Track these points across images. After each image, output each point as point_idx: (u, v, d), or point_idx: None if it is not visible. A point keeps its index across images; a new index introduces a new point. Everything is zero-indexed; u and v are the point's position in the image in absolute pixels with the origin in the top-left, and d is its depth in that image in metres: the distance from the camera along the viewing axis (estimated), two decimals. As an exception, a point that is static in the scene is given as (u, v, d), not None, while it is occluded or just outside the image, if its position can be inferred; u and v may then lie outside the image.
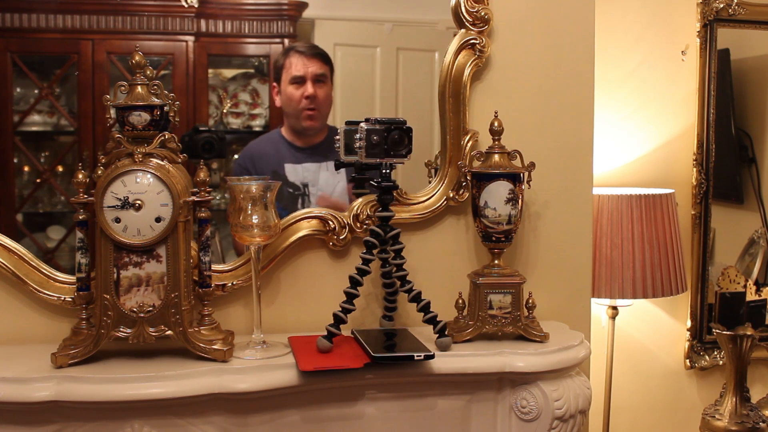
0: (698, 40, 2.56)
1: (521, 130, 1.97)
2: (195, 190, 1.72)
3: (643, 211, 2.30)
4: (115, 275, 1.63)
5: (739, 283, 2.64)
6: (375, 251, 1.78)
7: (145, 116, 1.64)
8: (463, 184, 1.94)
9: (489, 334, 1.84)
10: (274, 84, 1.99)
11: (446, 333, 1.78)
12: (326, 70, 1.97)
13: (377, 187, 1.79)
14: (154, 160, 1.65)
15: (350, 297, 1.75)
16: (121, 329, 1.63)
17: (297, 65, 1.95)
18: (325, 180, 1.98)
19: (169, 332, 1.65)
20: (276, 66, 1.98)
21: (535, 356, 1.76)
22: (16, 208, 1.93)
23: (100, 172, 1.65)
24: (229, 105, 2.03)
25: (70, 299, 1.76)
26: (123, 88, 1.66)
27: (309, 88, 1.95)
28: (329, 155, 1.94)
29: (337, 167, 1.91)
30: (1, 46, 1.87)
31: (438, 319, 1.78)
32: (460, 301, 1.88)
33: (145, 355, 1.68)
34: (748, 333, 1.98)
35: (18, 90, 1.92)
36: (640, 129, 2.58)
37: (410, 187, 1.96)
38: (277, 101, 1.99)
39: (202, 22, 1.93)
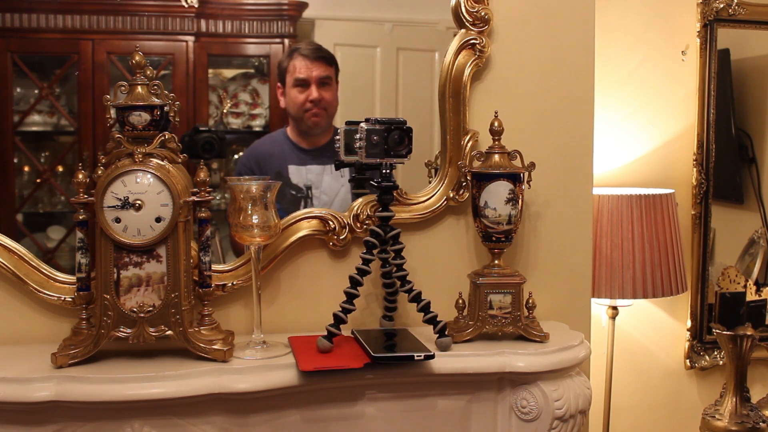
0: (698, 40, 2.56)
1: (521, 130, 1.97)
2: (195, 190, 1.72)
3: (643, 211, 2.30)
4: (115, 275, 1.63)
5: (739, 283, 2.64)
6: (375, 251, 1.78)
7: (145, 116, 1.64)
8: (463, 184, 1.94)
9: (489, 334, 1.84)
10: (279, 85, 1.98)
11: (446, 333, 1.78)
12: (331, 72, 1.97)
13: (377, 187, 1.79)
14: (154, 160, 1.65)
15: (350, 297, 1.75)
16: (121, 329, 1.63)
17: (301, 68, 1.94)
18: (328, 183, 1.98)
19: (169, 332, 1.65)
20: (280, 67, 1.97)
21: (535, 356, 1.76)
22: (16, 208, 1.93)
23: (100, 172, 1.65)
24: (229, 105, 2.03)
25: (70, 299, 1.76)
26: (123, 88, 1.66)
27: (313, 92, 1.95)
28: (334, 157, 1.94)
29: (337, 167, 1.91)
30: (1, 46, 1.87)
31: (438, 319, 1.78)
32: (460, 301, 1.88)
33: (145, 355, 1.68)
34: (748, 333, 1.98)
35: (18, 90, 1.92)
36: (640, 129, 2.58)
37: (410, 187, 1.96)
38: (282, 102, 1.98)
39: (202, 22, 1.93)
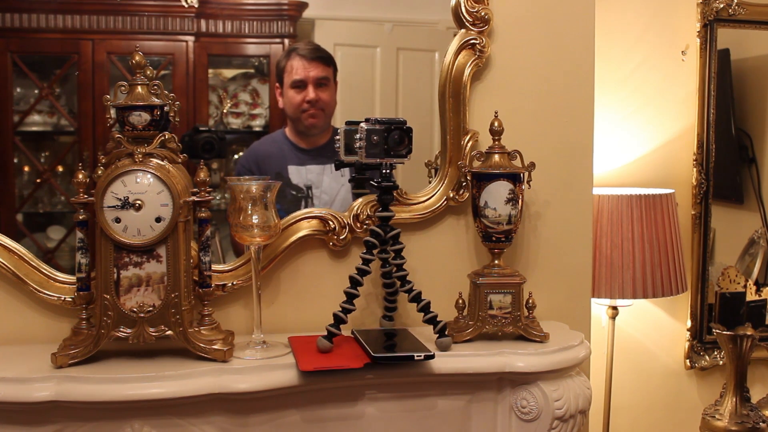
0: (698, 40, 2.56)
1: (521, 130, 1.97)
2: (195, 190, 1.72)
3: (643, 211, 2.29)
4: (115, 275, 1.63)
5: (739, 283, 2.64)
6: (375, 251, 1.78)
7: (145, 116, 1.64)
8: (463, 184, 1.94)
9: (489, 334, 1.84)
10: (277, 85, 1.98)
11: (446, 333, 1.78)
12: (328, 73, 1.96)
13: (377, 187, 1.79)
14: (154, 160, 1.65)
15: (350, 297, 1.75)
16: (121, 329, 1.63)
17: (298, 69, 1.94)
18: (328, 183, 1.97)
19: (169, 332, 1.65)
20: (278, 67, 1.97)
21: (535, 356, 1.76)
22: (16, 208, 1.93)
23: (100, 172, 1.65)
24: (229, 105, 2.03)
25: (70, 299, 1.76)
26: (123, 88, 1.66)
27: (310, 93, 1.94)
28: (334, 157, 1.93)
29: (338, 167, 1.91)
30: (1, 46, 1.87)
31: (438, 319, 1.78)
32: (460, 301, 1.88)
33: (145, 355, 1.68)
34: (748, 333, 1.98)
35: (18, 90, 1.92)
36: (640, 129, 2.58)
37: (410, 187, 1.96)
38: (280, 102, 1.98)
39: (202, 22, 1.93)
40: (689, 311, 2.64)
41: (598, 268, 2.29)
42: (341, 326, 1.74)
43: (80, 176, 1.67)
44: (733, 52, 2.60)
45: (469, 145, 1.94)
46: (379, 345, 1.74)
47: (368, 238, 1.78)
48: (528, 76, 2.01)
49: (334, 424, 1.73)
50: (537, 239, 2.04)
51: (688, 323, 2.65)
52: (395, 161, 1.76)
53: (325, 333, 1.73)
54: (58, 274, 1.80)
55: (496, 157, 1.86)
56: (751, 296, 2.65)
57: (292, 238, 1.88)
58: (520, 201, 1.86)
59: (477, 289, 1.84)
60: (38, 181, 1.95)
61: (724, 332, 2.00)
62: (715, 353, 2.65)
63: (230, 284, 1.85)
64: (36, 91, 1.94)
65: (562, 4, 2.01)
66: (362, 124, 1.74)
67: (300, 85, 1.95)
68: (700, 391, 2.68)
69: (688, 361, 2.65)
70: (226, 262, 1.89)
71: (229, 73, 2.06)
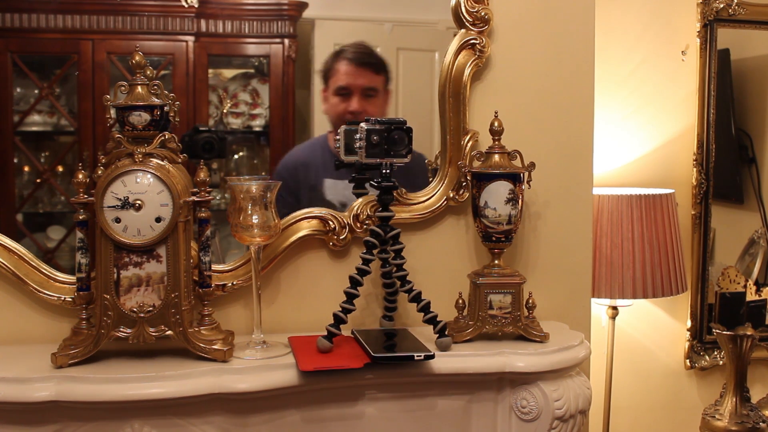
0: (698, 40, 2.56)
1: (521, 130, 1.97)
2: (195, 190, 1.72)
3: (643, 211, 2.30)
4: (115, 275, 1.63)
5: (739, 283, 2.64)
6: (375, 251, 1.78)
7: (145, 116, 1.64)
8: (463, 184, 1.94)
9: (489, 334, 1.84)
10: (323, 87, 1.84)
11: (446, 333, 1.78)
12: (377, 82, 1.82)
13: (377, 187, 1.79)
14: (154, 160, 1.65)
15: (350, 297, 1.75)
16: (121, 329, 1.63)
17: (343, 75, 1.79)
18: None
19: (169, 332, 1.65)
20: (324, 68, 1.86)
21: (535, 356, 1.76)
22: (16, 208, 1.93)
23: (100, 172, 1.65)
24: (229, 105, 2.03)
25: (70, 299, 1.76)
26: (123, 88, 1.66)
27: (354, 104, 1.80)
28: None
29: (338, 167, 1.91)
30: (1, 46, 1.87)
31: (438, 319, 1.78)
32: (460, 301, 1.88)
33: (145, 355, 1.68)
34: (748, 333, 1.98)
35: (18, 90, 1.92)
36: (640, 129, 2.58)
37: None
38: (324, 107, 1.89)
39: (202, 22, 1.93)
40: (689, 311, 2.64)
41: (598, 268, 2.29)
42: (341, 326, 1.74)
43: (80, 176, 1.67)
44: (733, 52, 2.60)
45: (469, 145, 1.94)
46: (379, 345, 1.74)
47: (368, 238, 1.78)
48: (528, 76, 2.01)
49: (334, 424, 1.73)
50: (537, 239, 2.04)
51: (688, 323, 2.65)
52: (395, 161, 1.76)
53: (325, 333, 1.73)
54: (58, 274, 1.80)
55: (496, 157, 1.86)
56: (751, 296, 2.65)
57: (292, 238, 1.88)
58: (520, 201, 1.86)
59: (477, 289, 1.84)
60: (38, 181, 1.95)
61: (724, 332, 2.00)
62: (715, 353, 2.65)
63: (230, 284, 1.85)
64: (36, 91, 1.94)
65: (562, 4, 2.01)
66: (362, 124, 1.74)
67: (344, 92, 1.82)
68: (700, 391, 2.68)
69: (688, 361, 2.65)
70: (226, 262, 1.89)
71: (229, 73, 2.06)
